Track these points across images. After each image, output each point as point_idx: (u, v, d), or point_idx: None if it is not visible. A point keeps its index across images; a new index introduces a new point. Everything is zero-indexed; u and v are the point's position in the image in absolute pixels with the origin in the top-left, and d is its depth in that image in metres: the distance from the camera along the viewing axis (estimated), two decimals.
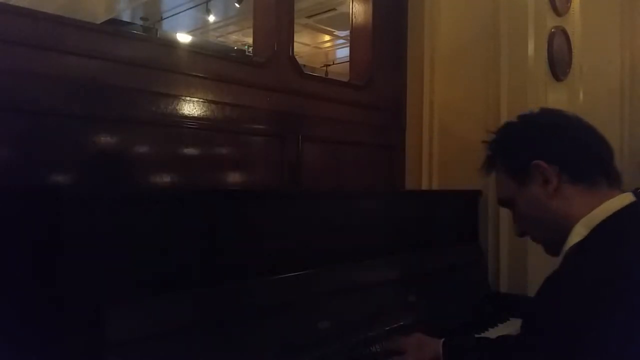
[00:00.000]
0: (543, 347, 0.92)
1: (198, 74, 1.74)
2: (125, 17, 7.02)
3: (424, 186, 2.45)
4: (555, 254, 1.10)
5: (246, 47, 7.60)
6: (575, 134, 1.11)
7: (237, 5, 6.36)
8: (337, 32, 7.78)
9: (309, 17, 6.94)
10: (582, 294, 0.90)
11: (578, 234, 1.03)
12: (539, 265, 2.21)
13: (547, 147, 1.09)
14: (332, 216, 1.65)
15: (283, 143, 1.99)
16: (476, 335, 1.68)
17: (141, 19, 7.38)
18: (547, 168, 1.07)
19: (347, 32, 3.55)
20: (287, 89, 2.03)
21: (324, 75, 7.14)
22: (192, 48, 2.11)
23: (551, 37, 2.33)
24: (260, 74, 1.95)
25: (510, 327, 1.97)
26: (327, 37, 8.22)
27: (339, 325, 1.47)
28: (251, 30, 2.17)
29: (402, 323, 1.66)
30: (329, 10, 6.67)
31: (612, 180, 1.08)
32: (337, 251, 1.60)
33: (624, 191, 1.07)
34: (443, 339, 1.34)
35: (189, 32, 7.55)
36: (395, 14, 2.52)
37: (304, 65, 5.15)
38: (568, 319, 0.90)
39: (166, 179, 1.64)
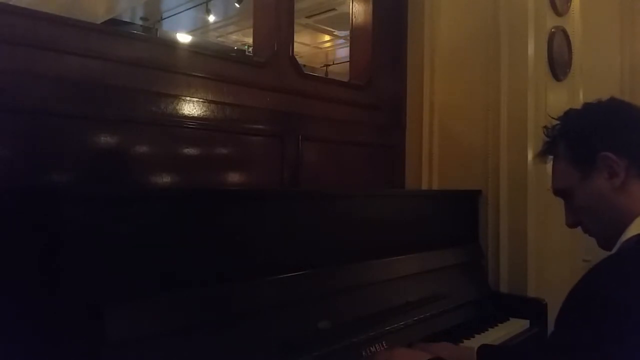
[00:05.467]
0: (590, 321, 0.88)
1: (198, 74, 1.74)
2: (125, 17, 7.01)
3: (424, 186, 2.45)
4: (608, 249, 1.07)
5: (246, 47, 7.60)
6: None
7: (237, 5, 6.37)
8: (337, 32, 7.78)
9: (309, 17, 6.94)
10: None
11: (637, 227, 0.99)
12: (539, 266, 2.21)
13: (616, 138, 1.05)
14: (332, 216, 1.65)
15: (283, 143, 1.99)
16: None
17: (141, 19, 7.38)
18: (616, 160, 1.03)
19: (347, 32, 3.54)
20: (287, 89, 2.03)
21: (324, 75, 7.14)
22: (192, 48, 2.11)
23: (551, 37, 2.33)
24: (260, 74, 1.95)
25: (510, 327, 1.97)
26: (327, 37, 8.22)
27: (339, 325, 1.47)
28: (251, 30, 2.17)
29: (402, 323, 1.67)
30: (329, 10, 6.68)
31: None
32: (337, 251, 1.60)
33: None
34: (477, 347, 1.28)
35: (189, 32, 7.55)
36: (395, 14, 2.51)
37: (304, 65, 5.16)
38: (621, 301, 0.86)
39: (166, 178, 1.64)
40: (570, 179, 1.11)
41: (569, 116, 1.16)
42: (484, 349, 1.27)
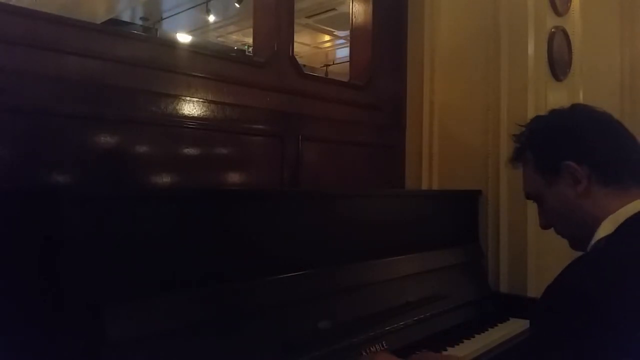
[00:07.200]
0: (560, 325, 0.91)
1: (198, 74, 1.74)
2: (125, 17, 7.01)
3: (424, 186, 2.45)
4: (580, 249, 1.10)
5: (246, 47, 7.60)
6: (608, 134, 1.10)
7: (237, 5, 6.36)
8: (337, 32, 7.77)
9: (309, 17, 6.93)
10: (604, 272, 0.91)
11: (605, 229, 1.03)
12: (539, 266, 2.21)
13: (578, 147, 1.08)
14: (332, 216, 1.65)
15: (283, 143, 1.99)
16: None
17: (141, 19, 7.37)
18: (577, 169, 1.06)
19: (347, 32, 3.54)
20: (287, 89, 2.03)
21: (324, 75, 7.14)
22: (192, 48, 2.11)
23: (551, 37, 2.33)
24: (260, 74, 1.95)
25: (510, 327, 1.97)
26: (327, 37, 8.21)
27: (339, 325, 1.47)
28: (251, 30, 2.17)
29: (402, 323, 1.67)
30: (329, 10, 6.67)
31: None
32: (337, 251, 1.60)
33: None
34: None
35: (189, 32, 7.55)
36: (395, 14, 2.52)
37: (304, 65, 5.16)
38: (589, 293, 0.88)
39: (166, 178, 1.64)
40: (539, 185, 1.14)
41: (535, 123, 1.20)
42: None
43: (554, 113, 1.19)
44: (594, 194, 1.06)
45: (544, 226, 1.19)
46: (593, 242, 1.04)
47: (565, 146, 1.09)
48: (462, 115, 2.39)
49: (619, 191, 1.05)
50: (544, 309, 0.97)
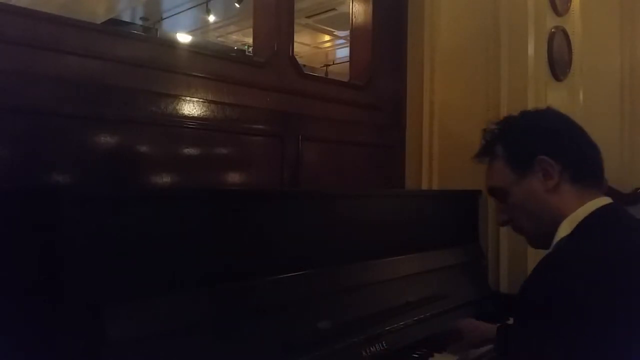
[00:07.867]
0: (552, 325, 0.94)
1: (198, 74, 1.74)
2: (125, 17, 7.02)
3: (424, 186, 2.45)
4: (541, 246, 1.15)
5: (246, 47, 7.60)
6: (577, 136, 1.15)
7: (237, 5, 6.37)
8: (337, 32, 7.77)
9: (309, 17, 6.94)
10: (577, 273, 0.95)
11: (564, 230, 1.08)
12: None
13: (554, 144, 1.13)
14: (332, 216, 1.65)
15: (283, 143, 1.99)
16: None
17: (141, 19, 7.38)
18: (552, 163, 1.10)
19: (347, 32, 3.54)
20: (287, 89, 2.03)
21: (324, 75, 7.14)
22: (192, 48, 2.11)
23: (551, 37, 2.33)
24: (260, 74, 1.95)
25: None
26: (327, 37, 8.22)
27: (339, 325, 1.47)
28: (251, 30, 2.17)
29: (402, 323, 1.67)
30: (329, 10, 6.68)
31: (601, 185, 1.13)
32: (337, 251, 1.60)
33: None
34: (498, 324, 1.50)
35: (189, 32, 7.55)
36: (395, 14, 2.52)
37: (304, 65, 5.16)
38: (570, 294, 0.92)
39: (166, 179, 1.64)
40: (506, 179, 1.17)
41: (508, 120, 1.24)
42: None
43: (526, 113, 1.24)
44: (561, 190, 1.11)
45: (503, 222, 1.24)
46: (555, 241, 1.09)
47: (540, 142, 1.14)
48: (462, 115, 2.39)
49: (581, 191, 1.10)
50: (530, 309, 1.00)
